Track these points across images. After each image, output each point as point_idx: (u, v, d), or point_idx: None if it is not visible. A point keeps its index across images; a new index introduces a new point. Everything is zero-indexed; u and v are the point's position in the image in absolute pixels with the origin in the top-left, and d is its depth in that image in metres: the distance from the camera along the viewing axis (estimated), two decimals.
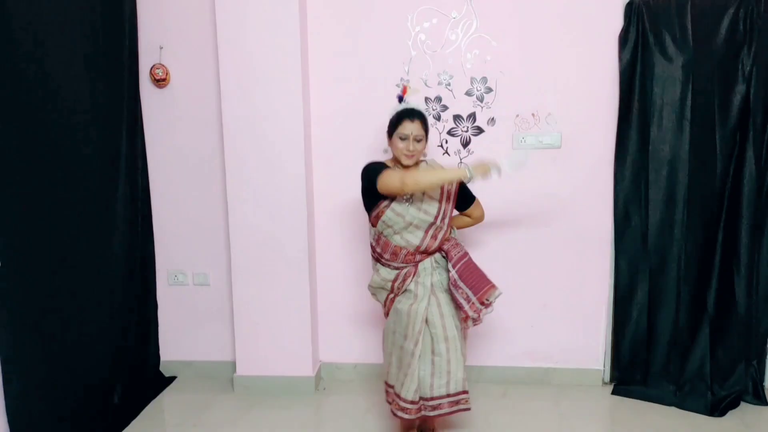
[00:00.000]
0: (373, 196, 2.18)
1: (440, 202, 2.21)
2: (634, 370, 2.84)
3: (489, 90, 2.78)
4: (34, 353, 2.23)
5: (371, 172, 2.16)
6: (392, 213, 2.16)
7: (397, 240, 2.20)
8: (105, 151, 2.66)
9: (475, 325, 2.35)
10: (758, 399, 2.73)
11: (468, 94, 2.79)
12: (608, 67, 2.70)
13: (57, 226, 2.35)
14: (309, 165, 2.84)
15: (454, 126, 2.82)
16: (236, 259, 2.85)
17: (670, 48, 2.60)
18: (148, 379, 3.03)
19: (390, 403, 2.30)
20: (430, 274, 2.23)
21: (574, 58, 2.72)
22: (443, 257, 2.26)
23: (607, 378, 2.96)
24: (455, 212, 2.35)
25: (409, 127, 2.13)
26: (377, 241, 2.25)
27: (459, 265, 2.20)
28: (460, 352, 2.21)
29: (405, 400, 2.20)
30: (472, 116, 2.81)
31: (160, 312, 3.13)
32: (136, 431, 2.63)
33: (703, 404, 2.67)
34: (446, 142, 2.83)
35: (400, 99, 2.23)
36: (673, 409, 2.70)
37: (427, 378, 2.20)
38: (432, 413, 2.23)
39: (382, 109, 2.86)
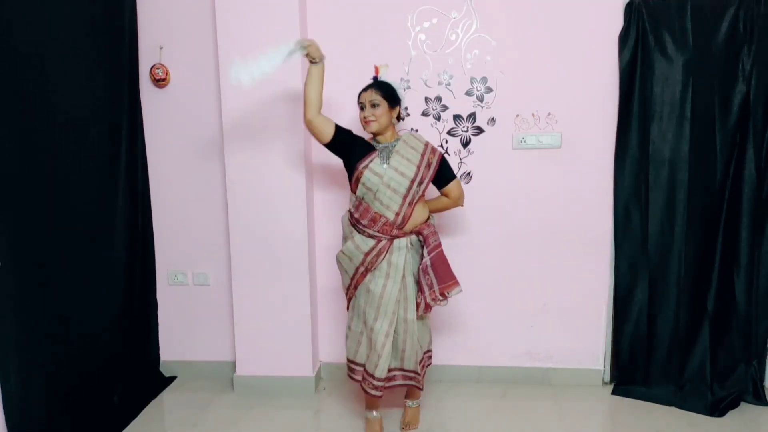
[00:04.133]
0: (344, 156, 2.30)
1: (418, 167, 2.25)
2: (634, 370, 2.84)
3: (489, 90, 2.78)
4: (34, 353, 2.23)
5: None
6: (370, 173, 2.21)
7: (377, 206, 2.23)
8: (105, 151, 2.66)
9: (425, 312, 2.33)
10: (758, 399, 2.73)
11: (468, 94, 2.79)
12: (608, 67, 2.70)
13: (57, 226, 2.35)
14: (309, 164, 2.84)
15: (454, 126, 2.82)
16: (236, 259, 2.85)
17: (670, 48, 2.60)
18: (148, 379, 3.03)
19: (360, 381, 2.37)
20: (405, 255, 2.28)
21: (574, 58, 2.72)
22: (419, 241, 2.32)
23: (607, 378, 2.96)
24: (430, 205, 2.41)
25: (364, 96, 2.25)
26: (357, 207, 2.29)
27: (434, 254, 2.28)
28: (416, 337, 2.32)
29: (379, 379, 2.29)
30: (472, 116, 2.81)
31: (160, 312, 3.13)
32: (136, 431, 2.63)
33: (703, 404, 2.67)
34: (446, 142, 2.83)
35: (374, 79, 2.32)
36: (673, 409, 2.70)
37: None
38: (387, 384, 2.33)
39: None
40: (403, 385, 2.40)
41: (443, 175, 2.33)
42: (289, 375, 2.93)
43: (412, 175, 2.23)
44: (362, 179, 2.22)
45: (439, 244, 2.32)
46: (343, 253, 2.35)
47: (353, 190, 2.29)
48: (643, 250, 2.75)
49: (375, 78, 2.33)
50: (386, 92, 2.25)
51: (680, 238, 2.71)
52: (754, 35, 2.52)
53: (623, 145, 2.72)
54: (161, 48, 2.88)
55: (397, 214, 2.24)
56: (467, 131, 2.82)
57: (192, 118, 2.94)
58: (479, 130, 2.82)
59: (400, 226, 2.26)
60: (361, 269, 2.30)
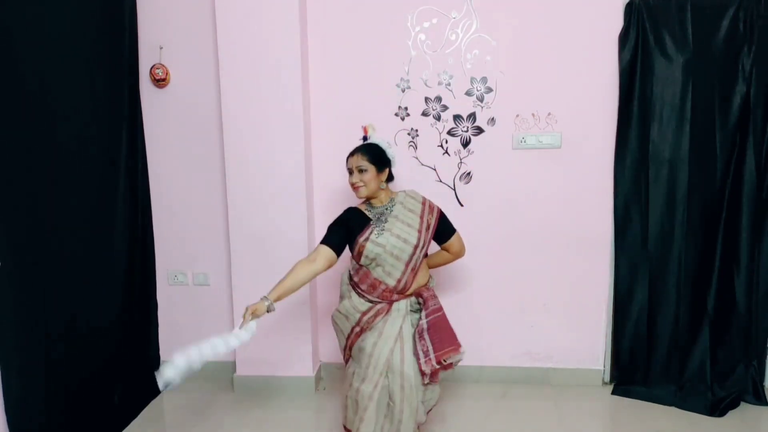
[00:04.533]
0: (348, 238, 2.18)
1: (420, 231, 2.14)
2: (634, 370, 2.85)
3: (489, 90, 2.78)
4: (34, 353, 2.23)
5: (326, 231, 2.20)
6: (372, 245, 2.10)
7: (378, 272, 2.13)
8: (105, 151, 2.66)
9: (431, 381, 2.14)
10: (758, 399, 2.73)
11: (468, 94, 2.79)
12: (608, 67, 2.70)
13: (57, 226, 2.35)
14: (309, 164, 2.84)
15: (454, 126, 2.82)
16: (236, 259, 2.85)
17: (670, 48, 2.60)
18: (148, 379, 3.02)
19: None
20: (403, 317, 2.13)
21: (574, 58, 2.72)
22: (418, 303, 2.18)
23: (607, 378, 2.96)
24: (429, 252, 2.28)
25: (351, 161, 2.15)
26: (357, 271, 2.19)
27: (432, 317, 2.13)
28: (415, 403, 2.12)
29: None
30: (472, 116, 2.81)
31: (160, 312, 3.13)
32: (136, 431, 2.63)
33: (703, 404, 2.67)
34: (446, 142, 2.83)
35: (364, 139, 2.25)
36: (673, 409, 2.70)
37: (380, 419, 2.14)
38: None
39: (383, 109, 2.87)
40: None
41: (443, 231, 2.23)
42: (289, 375, 2.93)
43: (414, 241, 2.11)
44: (365, 252, 2.10)
45: (440, 308, 2.16)
46: (339, 312, 2.23)
47: (356, 261, 2.18)
48: (643, 250, 2.75)
49: (364, 138, 2.24)
50: (373, 156, 2.14)
51: (680, 238, 2.71)
52: (754, 35, 2.53)
53: (623, 145, 2.72)
54: (161, 48, 2.88)
55: (399, 281, 2.12)
56: (467, 131, 2.82)
57: (192, 118, 2.94)
58: (479, 130, 2.82)
59: (401, 291, 2.14)
60: (357, 329, 2.17)
